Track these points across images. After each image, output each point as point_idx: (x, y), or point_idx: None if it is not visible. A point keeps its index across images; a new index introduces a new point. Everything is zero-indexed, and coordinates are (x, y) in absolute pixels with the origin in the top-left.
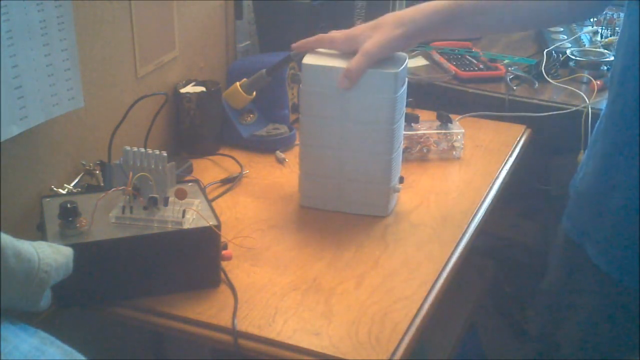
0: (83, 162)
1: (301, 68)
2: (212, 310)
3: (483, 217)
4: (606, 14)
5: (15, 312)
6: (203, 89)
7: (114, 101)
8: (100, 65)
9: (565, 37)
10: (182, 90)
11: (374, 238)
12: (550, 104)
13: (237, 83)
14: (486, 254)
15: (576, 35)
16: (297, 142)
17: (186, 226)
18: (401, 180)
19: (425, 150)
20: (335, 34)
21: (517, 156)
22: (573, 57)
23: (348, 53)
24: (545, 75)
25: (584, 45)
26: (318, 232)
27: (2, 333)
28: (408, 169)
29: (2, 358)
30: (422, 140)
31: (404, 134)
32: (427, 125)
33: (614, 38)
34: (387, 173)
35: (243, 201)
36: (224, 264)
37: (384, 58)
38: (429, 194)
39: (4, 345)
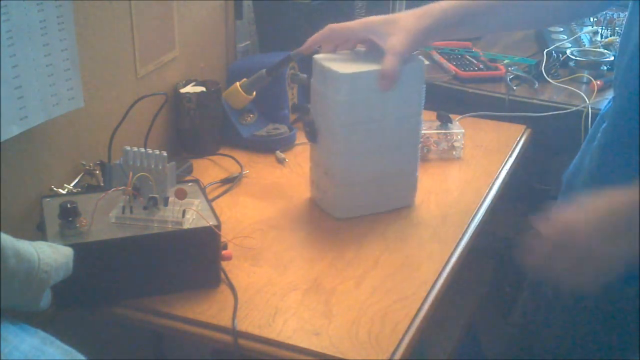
0: (83, 162)
1: (329, 77)
2: (212, 310)
3: (483, 217)
4: (606, 14)
5: (15, 312)
6: (203, 89)
7: (114, 101)
8: (100, 65)
9: (565, 37)
10: (182, 90)
11: (374, 238)
12: (550, 104)
13: (237, 83)
14: (486, 254)
15: (576, 35)
16: (297, 142)
17: (186, 226)
18: None
19: (425, 150)
20: (347, 22)
21: (517, 156)
22: (573, 57)
23: (365, 56)
24: (545, 75)
25: (584, 45)
26: (318, 232)
27: (2, 333)
28: None
29: (2, 358)
30: (422, 140)
31: None
32: (427, 125)
33: (614, 38)
34: (415, 162)
35: (243, 201)
36: (224, 264)
37: None
38: (429, 193)
39: (4, 345)
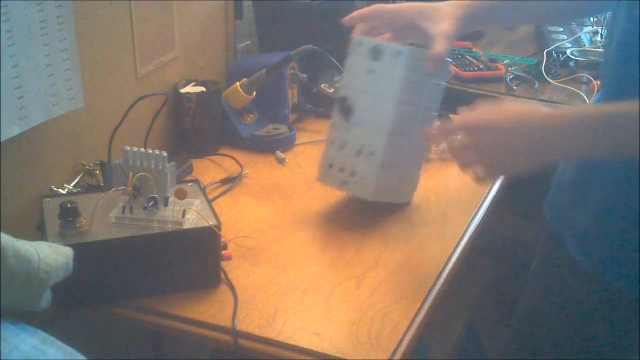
0: (83, 162)
1: (387, 53)
2: (212, 310)
3: (483, 217)
4: (606, 14)
5: (15, 312)
6: (203, 89)
7: (114, 101)
8: (100, 65)
9: (565, 37)
10: (182, 90)
11: (374, 238)
12: (550, 103)
13: (237, 83)
14: (486, 254)
15: (576, 35)
16: (297, 142)
17: (186, 226)
18: None
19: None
20: (396, 4)
21: None
22: (573, 57)
23: (397, 42)
24: (545, 75)
25: (584, 45)
26: (318, 232)
27: (2, 333)
28: None
29: (2, 358)
30: None
31: None
32: None
33: None
34: (422, 159)
35: (243, 201)
36: (224, 264)
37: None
38: (429, 193)
39: (4, 345)
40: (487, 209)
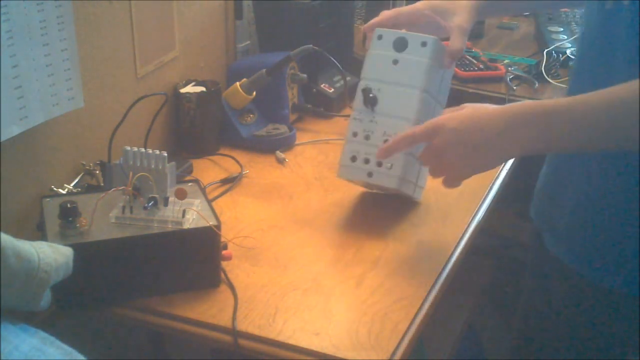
0: (83, 162)
1: (411, 42)
2: (212, 310)
3: (483, 217)
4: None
5: (15, 312)
6: (203, 89)
7: (114, 101)
8: (100, 65)
9: (565, 37)
10: (182, 90)
11: (374, 238)
12: None
13: (237, 83)
14: (486, 254)
15: (576, 35)
16: (297, 142)
17: (186, 226)
18: None
19: None
20: (413, 4)
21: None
22: (573, 57)
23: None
24: (545, 75)
25: None
26: (318, 232)
27: (2, 333)
28: None
29: (2, 358)
30: None
31: None
32: None
33: None
34: None
35: (243, 201)
36: (224, 264)
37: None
38: (429, 193)
39: (4, 345)
40: (487, 209)
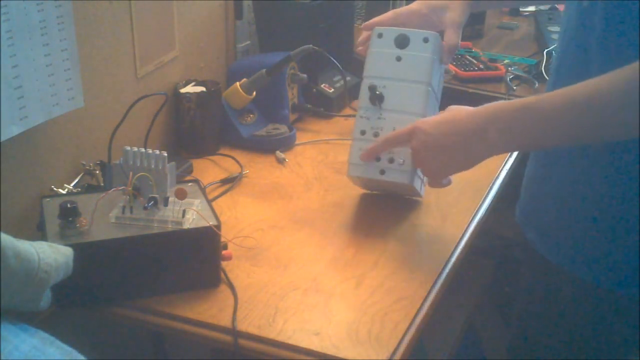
0: (83, 162)
1: (414, 39)
2: (212, 310)
3: (483, 217)
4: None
5: (15, 312)
6: (203, 89)
7: (114, 101)
8: (100, 65)
9: None
10: (182, 90)
11: (374, 238)
12: None
13: (237, 83)
14: (486, 254)
15: None
16: (297, 142)
17: (186, 226)
18: None
19: None
20: (408, 5)
21: (517, 156)
22: None
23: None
24: (545, 75)
25: None
26: (318, 232)
27: (2, 333)
28: None
29: (2, 358)
30: None
31: None
32: None
33: None
34: None
35: (243, 201)
36: (224, 264)
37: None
38: (429, 193)
39: (4, 345)
40: (487, 209)
